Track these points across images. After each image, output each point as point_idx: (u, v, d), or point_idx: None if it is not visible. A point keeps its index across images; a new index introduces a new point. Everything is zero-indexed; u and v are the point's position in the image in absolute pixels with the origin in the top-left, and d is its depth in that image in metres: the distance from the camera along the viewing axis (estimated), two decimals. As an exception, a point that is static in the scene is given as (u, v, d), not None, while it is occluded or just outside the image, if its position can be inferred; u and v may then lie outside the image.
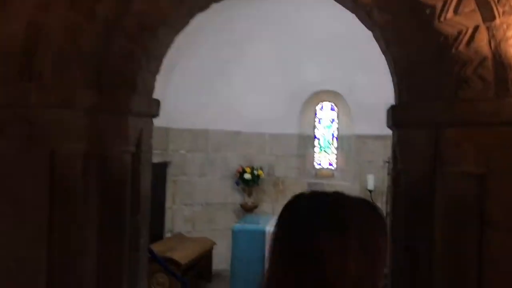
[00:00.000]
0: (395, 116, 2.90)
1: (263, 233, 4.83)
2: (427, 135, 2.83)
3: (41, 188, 3.12)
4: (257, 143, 7.53)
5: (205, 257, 6.19)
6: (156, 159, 6.08)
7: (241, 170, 7.12)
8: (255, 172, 7.10)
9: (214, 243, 6.48)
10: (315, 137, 7.89)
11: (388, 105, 3.27)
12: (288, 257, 0.96)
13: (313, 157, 7.87)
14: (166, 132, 6.40)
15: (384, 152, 7.05)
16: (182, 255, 5.40)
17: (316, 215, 0.96)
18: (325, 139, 7.92)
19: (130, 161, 3.46)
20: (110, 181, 3.33)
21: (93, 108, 3.25)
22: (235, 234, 4.88)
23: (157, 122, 5.80)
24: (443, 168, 2.74)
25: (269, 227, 4.92)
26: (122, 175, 3.36)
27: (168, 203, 6.48)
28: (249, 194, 7.20)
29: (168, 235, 6.41)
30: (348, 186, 7.37)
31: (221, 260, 7.13)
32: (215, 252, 6.64)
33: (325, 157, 7.90)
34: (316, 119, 7.92)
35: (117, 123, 3.32)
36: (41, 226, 3.11)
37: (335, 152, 7.83)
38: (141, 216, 3.60)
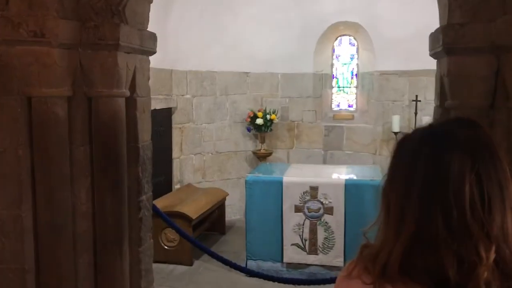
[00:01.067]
0: (446, 39, 2.34)
1: (280, 183, 4.41)
2: (487, 62, 2.30)
3: (19, 139, 2.69)
4: (269, 84, 6.99)
5: (218, 209, 5.87)
6: (159, 105, 5.62)
7: (252, 115, 6.64)
8: (268, 116, 6.62)
9: (226, 194, 6.13)
10: (332, 75, 7.31)
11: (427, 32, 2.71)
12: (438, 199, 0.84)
13: (331, 98, 7.33)
14: (170, 74, 5.87)
15: (410, 90, 6.49)
16: (193, 208, 5.06)
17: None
18: (343, 78, 7.34)
19: (124, 106, 2.99)
20: (101, 129, 2.89)
21: (73, 43, 2.75)
22: (249, 185, 4.48)
23: (159, 63, 5.31)
24: (508, 102, 2.23)
25: (286, 177, 4.50)
26: (114, 122, 2.90)
27: (175, 153, 6.07)
28: (262, 141, 6.76)
29: (177, 186, 6.06)
30: (370, 129, 6.89)
31: (234, 211, 6.85)
32: (228, 203, 6.31)
33: (343, 97, 7.36)
34: (334, 56, 7.30)
35: (103, 60, 2.81)
36: (23, 182, 2.72)
37: (355, 91, 7.28)
38: (142, 169, 3.18)
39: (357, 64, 7.22)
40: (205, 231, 5.71)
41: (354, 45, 7.23)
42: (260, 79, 6.91)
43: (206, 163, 6.55)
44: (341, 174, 4.80)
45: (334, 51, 7.30)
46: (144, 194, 3.21)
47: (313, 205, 4.35)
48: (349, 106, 7.34)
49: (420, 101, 6.21)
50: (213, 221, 5.84)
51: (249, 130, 6.72)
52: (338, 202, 4.29)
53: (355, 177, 4.49)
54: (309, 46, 6.97)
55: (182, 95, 6.17)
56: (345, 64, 7.31)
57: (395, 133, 6.38)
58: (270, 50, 6.68)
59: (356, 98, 7.27)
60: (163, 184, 5.70)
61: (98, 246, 2.96)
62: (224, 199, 6.06)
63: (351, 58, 7.29)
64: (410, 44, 6.21)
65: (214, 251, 3.67)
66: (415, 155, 0.89)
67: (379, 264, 0.87)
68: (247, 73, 6.82)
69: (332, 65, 7.28)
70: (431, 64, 6.10)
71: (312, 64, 7.04)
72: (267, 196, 4.45)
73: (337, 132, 7.09)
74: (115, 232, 2.95)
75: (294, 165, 5.37)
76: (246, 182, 4.51)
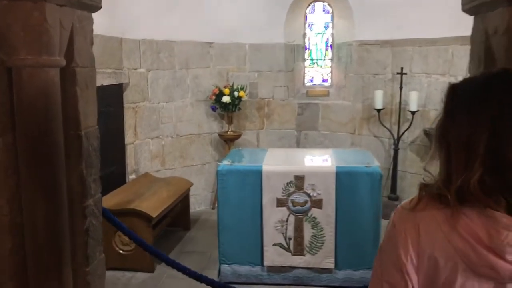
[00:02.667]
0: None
1: (259, 173, 3.76)
2: None
3: None
4: (235, 56, 6.29)
5: (181, 202, 5.18)
6: (107, 81, 4.82)
7: (217, 92, 5.94)
8: (235, 93, 5.93)
9: (190, 184, 5.45)
10: (305, 47, 6.69)
11: None
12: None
13: (303, 72, 6.73)
14: (119, 44, 5.05)
15: (393, 62, 5.99)
16: (152, 204, 4.35)
17: None
18: (317, 49, 6.75)
19: (59, 79, 2.25)
20: (26, 111, 2.14)
21: (-22, -12, 1.97)
22: (221, 176, 3.81)
23: (106, 30, 4.49)
24: None
25: (266, 165, 3.87)
26: (46, 102, 2.16)
27: (128, 138, 5.30)
28: (229, 121, 6.08)
29: (132, 177, 5.31)
30: (348, 106, 6.37)
31: (199, 201, 6.20)
32: (191, 193, 5.63)
33: (317, 71, 6.78)
34: (306, 24, 6.68)
35: (26, 15, 2.05)
36: None
37: (330, 65, 6.71)
38: (86, 164, 2.46)
39: (332, 33, 6.63)
40: (167, 227, 5.03)
41: (328, 12, 6.63)
42: (225, 51, 6.20)
43: (165, 149, 5.82)
44: (329, 159, 4.21)
45: (306, 19, 6.68)
46: (91, 197, 2.50)
47: (299, 198, 3.76)
48: (323, 81, 6.77)
49: (406, 74, 5.72)
50: (176, 215, 5.16)
51: (214, 109, 6.02)
52: (328, 193, 3.72)
53: (346, 164, 3.92)
54: (280, 13, 6.31)
55: (135, 69, 5.37)
56: (319, 33, 6.71)
57: (378, 110, 5.88)
58: (236, 17, 5.97)
59: (331, 72, 6.72)
60: (115, 176, 4.94)
61: (29, 272, 2.24)
62: (188, 190, 5.38)
63: (325, 27, 6.70)
64: (393, 10, 5.69)
65: (178, 262, 3.00)
66: (481, 96, 1.02)
67: (453, 189, 1.00)
68: (210, 43, 6.08)
69: (304, 35, 6.66)
70: (417, 32, 5.63)
71: (283, 34, 6.39)
72: (244, 189, 3.81)
73: (312, 110, 6.52)
74: (52, 251, 2.24)
75: (272, 150, 4.73)
76: (218, 172, 3.84)
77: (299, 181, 3.74)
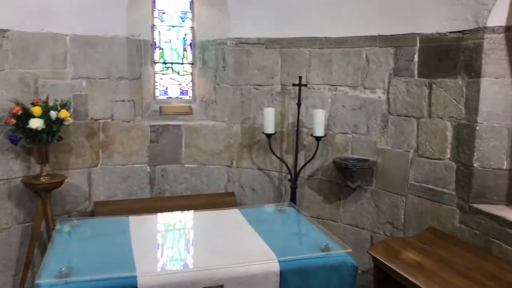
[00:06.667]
0: None
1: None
2: None
3: None
4: (49, 54, 4.11)
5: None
6: None
7: (19, 112, 3.73)
8: (53, 113, 3.81)
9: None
10: (155, 45, 4.89)
11: None
12: None
13: (154, 80, 4.91)
14: None
15: (284, 69, 4.61)
16: None
17: None
18: (171, 49, 5.01)
19: None
20: None
21: None
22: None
23: None
24: None
25: (142, 275, 1.97)
26: None
27: None
28: (43, 160, 3.90)
29: None
30: (223, 129, 4.79)
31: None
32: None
33: (174, 79, 5.04)
34: (156, 13, 4.89)
35: None
36: None
37: (191, 71, 5.04)
38: None
39: (192, 27, 4.97)
40: None
41: (186, -3, 4.97)
42: (32, 45, 3.99)
43: None
44: (255, 241, 2.48)
45: (155, 5, 4.89)
46: None
47: (213, 331, 1.99)
48: (182, 93, 5.06)
49: (306, 85, 4.37)
50: None
51: (14, 140, 3.78)
52: (266, 314, 2.04)
53: (288, 251, 2.27)
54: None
55: None
56: (173, 27, 4.98)
57: (268, 136, 4.41)
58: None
59: (192, 81, 5.05)
60: None
61: None
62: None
63: (182, 17, 5.00)
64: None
65: None
66: None
67: None
68: (4, 31, 3.82)
69: (153, 27, 4.86)
70: (318, 29, 4.33)
71: (125, 23, 4.46)
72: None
73: (171, 136, 4.74)
74: None
75: (135, 220, 2.79)
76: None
77: (213, 299, 1.97)
